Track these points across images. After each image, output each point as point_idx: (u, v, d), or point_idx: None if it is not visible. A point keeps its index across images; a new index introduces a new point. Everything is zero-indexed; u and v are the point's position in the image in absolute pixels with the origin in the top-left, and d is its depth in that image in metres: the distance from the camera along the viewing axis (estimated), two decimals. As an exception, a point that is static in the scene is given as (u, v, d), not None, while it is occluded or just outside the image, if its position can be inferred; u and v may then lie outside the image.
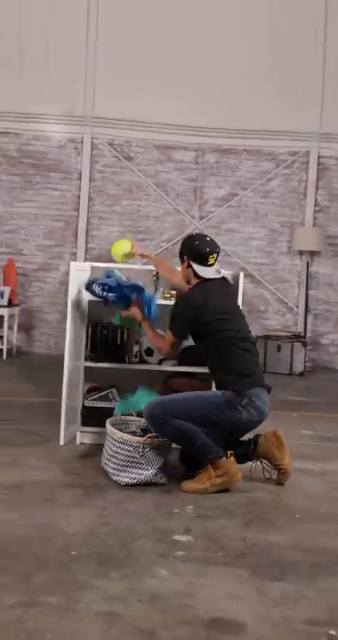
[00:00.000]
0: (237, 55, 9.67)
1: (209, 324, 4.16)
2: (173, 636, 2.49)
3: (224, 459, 4.07)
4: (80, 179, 9.71)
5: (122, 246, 5.02)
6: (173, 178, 9.80)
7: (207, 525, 3.58)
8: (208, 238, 4.33)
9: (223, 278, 4.39)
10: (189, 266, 4.26)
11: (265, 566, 3.14)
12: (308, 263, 9.72)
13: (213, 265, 4.27)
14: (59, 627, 2.50)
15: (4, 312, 9.02)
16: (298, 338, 9.30)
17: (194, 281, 4.29)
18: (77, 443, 5.08)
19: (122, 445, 4.12)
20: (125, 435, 4.17)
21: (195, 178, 9.81)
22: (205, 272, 4.25)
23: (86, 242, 9.73)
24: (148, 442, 4.10)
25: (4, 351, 9.04)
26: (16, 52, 9.56)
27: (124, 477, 4.11)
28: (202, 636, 2.51)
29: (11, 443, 4.95)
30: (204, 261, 4.23)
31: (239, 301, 4.78)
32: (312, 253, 9.75)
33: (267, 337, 9.26)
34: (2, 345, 9.09)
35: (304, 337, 9.48)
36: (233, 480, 4.10)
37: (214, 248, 4.28)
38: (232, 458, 4.11)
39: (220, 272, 4.33)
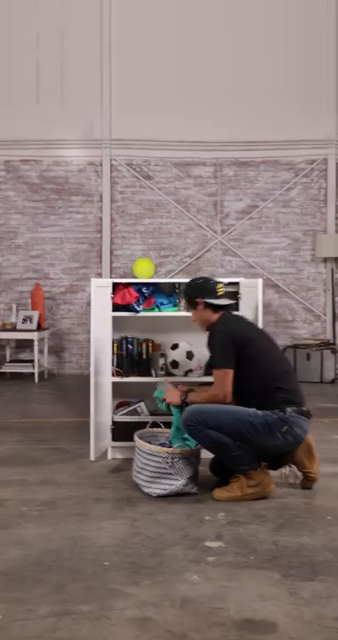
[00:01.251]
0: (251, 67, 9.76)
1: (247, 347, 4.12)
2: (204, 638, 2.51)
3: (258, 469, 4.08)
4: (101, 200, 9.85)
5: (146, 266, 5.16)
6: (192, 194, 9.88)
7: (239, 531, 3.60)
8: (205, 276, 4.56)
9: None
10: (205, 305, 4.29)
11: (296, 567, 3.14)
12: (332, 270, 9.70)
13: (223, 296, 4.35)
14: (92, 634, 2.54)
15: (34, 336, 9.15)
16: (327, 345, 9.26)
17: (214, 317, 4.29)
18: (109, 458, 5.14)
19: (151, 457, 4.16)
20: (154, 446, 4.21)
21: (214, 192, 9.89)
22: (222, 301, 4.32)
23: (111, 262, 9.84)
24: (177, 452, 4.15)
25: (36, 374, 9.16)
26: (33, 79, 9.78)
27: (156, 489, 4.14)
28: (234, 636, 2.53)
29: (44, 461, 5.02)
30: (216, 293, 4.31)
31: (260, 309, 4.86)
32: (337, 260, 9.73)
33: (295, 346, 9.25)
34: (33, 369, 9.21)
35: (333, 344, 9.44)
36: (266, 491, 4.10)
37: (218, 281, 4.42)
38: (265, 469, 4.12)
39: (231, 301, 4.45)
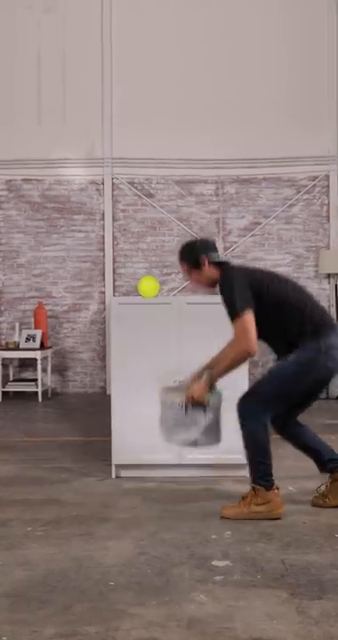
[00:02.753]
0: (251, 85, 9.81)
1: (263, 286, 4.00)
2: (212, 659, 2.48)
3: (269, 490, 4.03)
4: (103, 219, 9.88)
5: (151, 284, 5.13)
6: (194, 211, 9.91)
7: (245, 549, 3.56)
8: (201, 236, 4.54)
9: None
10: (210, 262, 4.12)
11: (304, 586, 3.10)
12: (336, 286, 9.70)
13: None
14: (99, 655, 2.51)
15: (37, 355, 9.14)
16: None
17: (219, 271, 4.12)
18: (113, 477, 5.10)
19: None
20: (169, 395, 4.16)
21: (216, 210, 9.91)
22: (223, 257, 4.38)
23: (114, 280, 9.85)
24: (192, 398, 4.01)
25: (40, 393, 9.13)
26: (34, 100, 9.85)
27: (176, 439, 4.10)
28: (242, 656, 2.50)
29: (48, 481, 4.99)
30: (216, 250, 4.24)
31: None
32: (340, 276, 9.74)
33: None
34: (37, 388, 9.19)
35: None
36: (274, 512, 4.01)
37: (210, 238, 4.52)
38: (277, 490, 4.07)
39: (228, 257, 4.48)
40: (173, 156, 9.77)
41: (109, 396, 9.76)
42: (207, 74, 9.82)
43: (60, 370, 9.96)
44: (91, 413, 8.18)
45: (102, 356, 9.87)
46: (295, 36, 9.81)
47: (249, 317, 3.86)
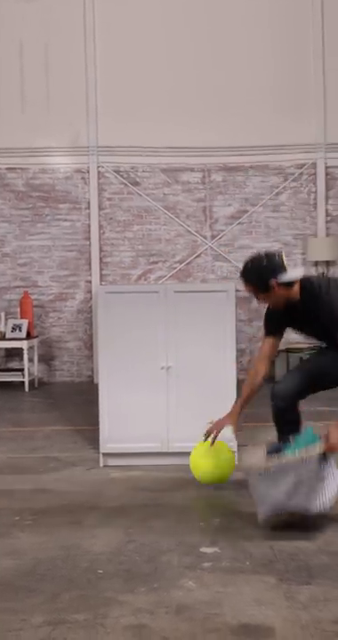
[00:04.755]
0: (238, 73, 9.76)
1: None
2: (201, 645, 2.48)
3: None
4: (89, 208, 9.81)
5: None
6: (181, 199, 9.87)
7: (234, 536, 3.57)
8: (263, 252, 4.10)
9: None
10: (280, 284, 3.87)
11: (293, 571, 3.12)
12: (323, 273, 9.70)
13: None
14: (87, 642, 2.50)
15: (24, 344, 9.09)
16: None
17: (294, 290, 3.93)
18: (101, 465, 5.09)
19: (304, 467, 3.55)
20: (303, 453, 3.59)
21: (203, 198, 9.88)
22: (297, 272, 4.03)
23: (100, 269, 9.80)
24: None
25: (26, 383, 9.09)
26: (18, 88, 9.75)
27: (325, 500, 3.57)
28: (231, 642, 2.50)
29: (37, 470, 4.97)
30: (285, 267, 3.93)
31: (232, 314, 5.11)
32: (328, 263, 9.74)
33: (288, 350, 9.23)
34: (23, 377, 9.15)
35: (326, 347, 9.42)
36: None
37: (277, 251, 4.13)
38: None
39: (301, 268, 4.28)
40: (158, 144, 9.71)
41: (97, 385, 9.77)
42: (193, 61, 9.76)
43: (47, 359, 9.91)
44: (78, 403, 8.15)
45: (89, 345, 9.83)
46: (282, 24, 9.76)
47: None
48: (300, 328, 4.27)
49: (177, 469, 4.92)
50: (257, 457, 3.76)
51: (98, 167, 9.78)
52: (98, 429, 5.29)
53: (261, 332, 4.48)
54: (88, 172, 9.78)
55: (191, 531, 3.66)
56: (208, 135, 9.68)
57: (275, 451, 3.75)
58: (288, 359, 9.17)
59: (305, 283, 3.98)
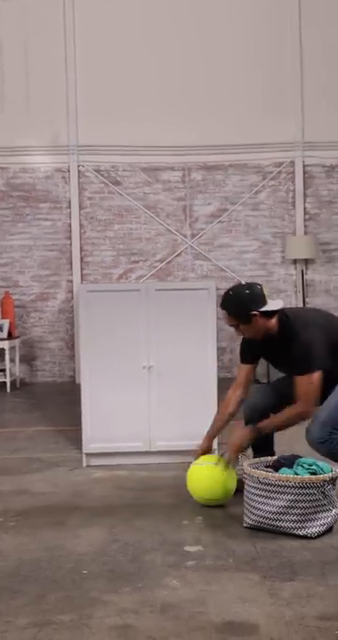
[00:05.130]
0: (217, 72, 9.79)
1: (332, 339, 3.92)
2: (186, 643, 2.50)
3: None
4: (70, 207, 9.79)
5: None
6: (161, 198, 9.88)
7: (217, 534, 3.60)
8: (243, 282, 4.09)
9: None
10: (261, 315, 3.85)
11: (276, 568, 3.15)
12: (302, 271, 9.78)
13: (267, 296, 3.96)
14: (73, 643, 2.52)
15: (5, 345, 9.06)
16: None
17: (272, 322, 3.90)
18: (84, 466, 5.10)
19: (303, 491, 3.47)
20: (306, 476, 3.52)
21: (183, 197, 9.90)
22: (276, 304, 3.95)
23: (81, 268, 9.79)
24: (328, 477, 3.52)
25: (8, 383, 9.06)
26: (-3, 88, 9.71)
27: (315, 527, 3.49)
28: (216, 639, 2.52)
29: (19, 471, 4.96)
30: (265, 298, 3.89)
31: (214, 313, 5.14)
32: (307, 261, 9.81)
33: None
34: (5, 378, 9.11)
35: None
36: None
37: (258, 283, 4.07)
38: None
39: (278, 299, 4.17)
40: (139, 143, 9.71)
41: (79, 385, 9.75)
42: (173, 61, 9.77)
43: (29, 359, 9.88)
44: (60, 403, 8.14)
45: (71, 345, 9.82)
46: (262, 25, 9.80)
47: (318, 379, 3.79)
48: (274, 360, 4.25)
49: (161, 468, 4.95)
50: (252, 463, 3.78)
51: (78, 166, 9.77)
52: (80, 429, 5.30)
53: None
54: (68, 171, 9.76)
55: (175, 529, 3.68)
56: (188, 134, 9.70)
57: (275, 464, 3.77)
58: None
59: (282, 316, 3.94)
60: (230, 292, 4.00)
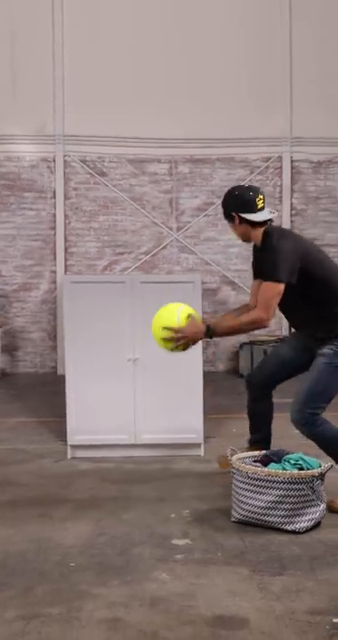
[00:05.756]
0: (207, 66, 9.76)
1: (310, 265, 3.77)
2: (176, 637, 2.48)
3: None
4: (55, 197, 9.71)
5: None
6: (147, 191, 9.83)
7: (205, 528, 3.58)
8: (246, 184, 4.12)
9: None
10: (242, 220, 3.87)
11: (265, 563, 3.13)
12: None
13: (263, 208, 3.89)
14: (62, 636, 2.48)
15: (-13, 335, 8.99)
16: (283, 341, 9.33)
17: (254, 233, 3.89)
18: (69, 457, 5.05)
19: (292, 486, 3.44)
20: (295, 472, 3.49)
21: (170, 189, 9.86)
22: (262, 216, 3.87)
23: (65, 259, 9.72)
24: (316, 473, 3.49)
25: (-11, 374, 8.99)
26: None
27: (303, 522, 3.47)
28: (206, 633, 2.50)
29: (3, 462, 4.91)
30: (254, 208, 3.85)
31: (200, 306, 5.02)
32: (291, 256, 9.82)
33: (252, 342, 9.30)
34: (-14, 368, 9.04)
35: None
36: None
37: (258, 190, 3.98)
38: None
39: (274, 212, 4.01)
40: (126, 135, 9.66)
41: (61, 376, 9.67)
42: (162, 52, 9.71)
43: (10, 350, 9.80)
44: (42, 394, 8.08)
45: (53, 335, 9.76)
46: (252, 19, 9.79)
47: (280, 290, 3.67)
48: (257, 274, 4.14)
49: (147, 461, 4.92)
50: (240, 457, 3.76)
51: (64, 156, 9.69)
52: (64, 421, 5.26)
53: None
54: (54, 160, 9.68)
55: (162, 523, 3.65)
56: (175, 126, 9.67)
57: (263, 459, 3.75)
58: (252, 351, 9.23)
59: (268, 230, 3.89)
60: (229, 189, 4.10)
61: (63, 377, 9.48)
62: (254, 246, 4.05)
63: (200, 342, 4.13)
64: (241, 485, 3.60)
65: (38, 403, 7.43)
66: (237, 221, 3.91)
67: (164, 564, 3.11)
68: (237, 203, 3.91)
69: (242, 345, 9.41)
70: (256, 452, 3.96)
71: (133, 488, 4.28)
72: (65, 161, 9.71)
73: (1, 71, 9.62)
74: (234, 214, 3.90)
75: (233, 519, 3.64)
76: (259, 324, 3.81)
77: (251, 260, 4.27)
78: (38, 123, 9.65)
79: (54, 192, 9.71)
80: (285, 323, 9.80)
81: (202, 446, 5.27)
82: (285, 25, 9.77)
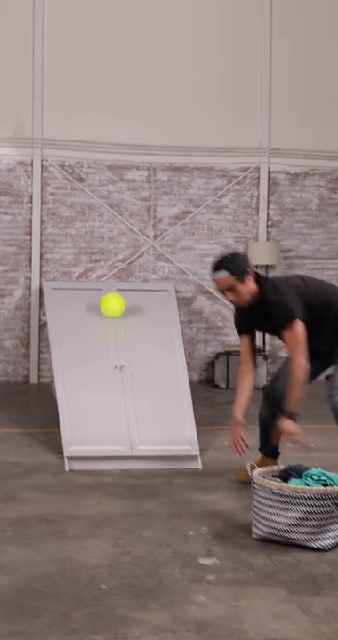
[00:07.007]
0: (187, 74, 9.71)
1: (307, 288, 4.23)
2: (234, 664, 2.40)
3: None
4: (31, 202, 9.51)
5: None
6: (125, 198, 9.73)
7: (228, 546, 3.50)
8: (231, 250, 4.52)
9: None
10: (250, 275, 4.13)
11: (299, 583, 3.08)
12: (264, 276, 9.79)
13: None
14: (114, 666, 2.38)
15: None
16: (259, 352, 9.34)
17: (254, 285, 4.13)
18: (67, 470, 4.92)
19: (318, 502, 3.40)
20: (321, 487, 3.46)
21: (148, 197, 9.77)
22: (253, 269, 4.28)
23: (41, 265, 9.53)
24: None
25: None
26: None
27: (328, 539, 3.43)
28: (264, 660, 2.43)
29: (0, 476, 4.74)
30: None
31: (176, 314, 5.58)
32: (267, 267, 9.84)
33: (228, 353, 9.27)
34: None
35: (264, 351, 9.54)
36: None
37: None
38: None
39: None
40: (105, 140, 9.52)
41: (34, 385, 9.50)
42: (142, 59, 9.63)
43: (-18, 357, 9.54)
44: (19, 404, 7.88)
45: (26, 343, 9.54)
46: (232, 28, 9.78)
47: (301, 327, 4.03)
48: (263, 327, 4.50)
49: (147, 475, 4.83)
50: (260, 473, 3.70)
51: (42, 160, 9.50)
52: (51, 432, 5.17)
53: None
54: (32, 164, 9.48)
55: (183, 541, 3.56)
56: (155, 134, 9.58)
57: (284, 475, 3.70)
58: (228, 362, 9.22)
59: (259, 279, 4.17)
60: (227, 255, 4.29)
61: (36, 386, 9.45)
62: (246, 306, 4.20)
63: None
64: (264, 502, 3.54)
65: (18, 413, 7.24)
66: (251, 275, 4.10)
67: (198, 585, 3.03)
68: (245, 259, 4.25)
69: (218, 355, 9.38)
70: (274, 467, 3.92)
71: (142, 504, 4.18)
72: (42, 165, 9.52)
73: (-23, 71, 9.39)
74: (248, 269, 4.11)
75: (255, 536, 3.58)
76: (303, 369, 4.01)
77: (233, 316, 4.60)
78: (16, 125, 9.45)
79: (31, 197, 9.50)
80: (259, 332, 9.85)
81: (199, 459, 5.21)
82: (265, 35, 9.80)
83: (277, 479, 3.70)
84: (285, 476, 3.72)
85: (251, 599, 2.90)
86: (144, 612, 2.76)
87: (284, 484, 3.53)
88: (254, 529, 3.60)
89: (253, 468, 3.74)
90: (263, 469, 3.84)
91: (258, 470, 3.78)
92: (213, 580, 3.09)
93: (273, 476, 3.75)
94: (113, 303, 5.81)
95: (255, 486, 3.61)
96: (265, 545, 3.51)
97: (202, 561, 3.30)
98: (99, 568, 3.19)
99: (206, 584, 3.05)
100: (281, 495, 3.47)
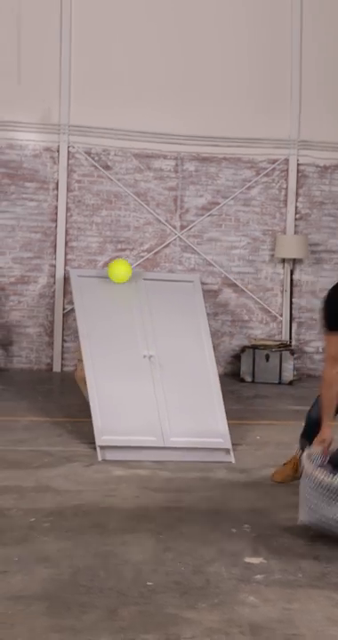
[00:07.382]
0: (216, 63, 9.56)
1: None
2: (295, 671, 2.30)
3: None
4: (57, 189, 9.41)
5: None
6: (152, 187, 9.60)
7: (273, 544, 3.40)
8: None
9: None
10: None
11: (352, 586, 2.97)
12: (291, 271, 9.67)
13: None
14: (170, 668, 2.28)
15: (-16, 328, 8.66)
16: (286, 346, 9.21)
17: None
18: (99, 459, 4.82)
19: None
20: None
21: (175, 187, 9.64)
22: None
23: (65, 253, 9.43)
24: None
25: (-16, 369, 8.66)
26: (-12, 59, 9.24)
27: None
28: (327, 668, 2.32)
29: (31, 465, 4.65)
30: None
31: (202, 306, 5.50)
32: (295, 261, 9.70)
33: (254, 347, 9.15)
34: (-19, 362, 8.71)
35: (290, 345, 9.41)
36: None
37: None
38: None
39: None
40: (132, 128, 9.39)
41: (56, 373, 9.42)
42: (172, 48, 9.47)
43: (5, 344, 9.47)
44: (44, 392, 7.80)
45: (50, 331, 9.46)
46: (261, 16, 9.60)
47: (330, 341, 3.76)
48: None
49: (182, 469, 4.73)
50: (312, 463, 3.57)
51: (68, 147, 9.38)
52: (79, 422, 5.09)
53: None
54: (58, 151, 9.37)
55: (226, 538, 3.46)
56: (183, 123, 9.43)
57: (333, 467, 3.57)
58: (254, 356, 9.10)
59: None
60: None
61: (59, 374, 9.35)
62: None
63: None
64: (316, 492, 3.40)
65: (43, 401, 7.16)
66: None
67: (247, 585, 2.93)
68: None
69: (244, 348, 9.26)
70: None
71: (181, 498, 4.09)
72: (69, 152, 9.41)
73: (6, 57, 9.26)
74: None
75: (300, 522, 3.45)
76: (331, 380, 3.72)
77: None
78: (43, 111, 9.34)
79: (57, 183, 9.40)
80: (286, 326, 9.72)
81: (232, 452, 5.11)
82: (295, 25, 9.63)
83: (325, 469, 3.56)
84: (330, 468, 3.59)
85: (303, 602, 2.80)
86: (195, 612, 2.66)
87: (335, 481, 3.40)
88: (303, 514, 3.46)
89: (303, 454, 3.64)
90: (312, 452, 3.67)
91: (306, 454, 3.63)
92: (261, 581, 2.98)
93: (319, 466, 3.61)
94: (121, 269, 5.96)
95: (308, 475, 3.49)
96: (312, 544, 3.41)
97: (248, 560, 3.20)
98: (143, 564, 3.10)
99: (256, 584, 2.94)
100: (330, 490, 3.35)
